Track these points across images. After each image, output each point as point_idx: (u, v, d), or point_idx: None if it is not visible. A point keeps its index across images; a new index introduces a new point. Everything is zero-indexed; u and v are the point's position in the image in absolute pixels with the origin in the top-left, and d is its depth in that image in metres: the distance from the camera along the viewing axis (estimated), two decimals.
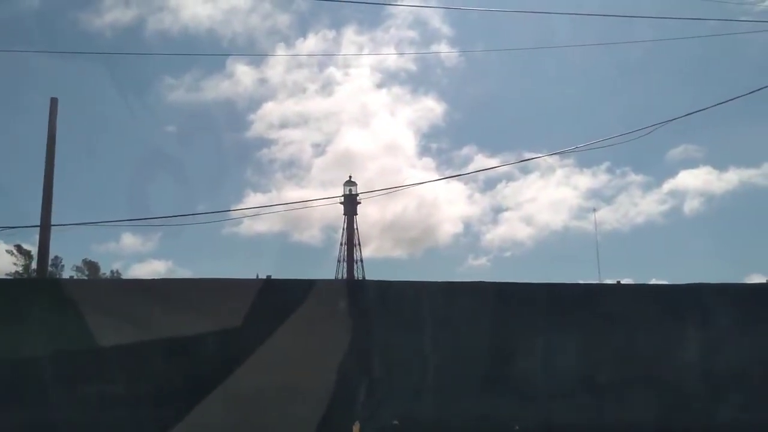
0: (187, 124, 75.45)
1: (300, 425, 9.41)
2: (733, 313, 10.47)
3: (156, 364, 9.39)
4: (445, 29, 76.81)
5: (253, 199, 68.11)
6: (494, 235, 77.93)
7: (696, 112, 15.06)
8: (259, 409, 9.32)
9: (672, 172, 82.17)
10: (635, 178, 75.30)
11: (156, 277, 22.41)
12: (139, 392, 9.26)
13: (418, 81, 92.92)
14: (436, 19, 73.69)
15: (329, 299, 9.93)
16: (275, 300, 9.71)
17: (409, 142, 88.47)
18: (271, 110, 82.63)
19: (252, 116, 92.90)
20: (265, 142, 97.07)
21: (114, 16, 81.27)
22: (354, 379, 9.68)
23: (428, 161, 76.81)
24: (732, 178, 76.17)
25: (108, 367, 9.28)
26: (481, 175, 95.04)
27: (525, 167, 76.50)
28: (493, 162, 76.80)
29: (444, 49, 75.57)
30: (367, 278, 43.33)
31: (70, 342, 9.27)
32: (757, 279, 11.90)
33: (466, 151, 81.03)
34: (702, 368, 10.25)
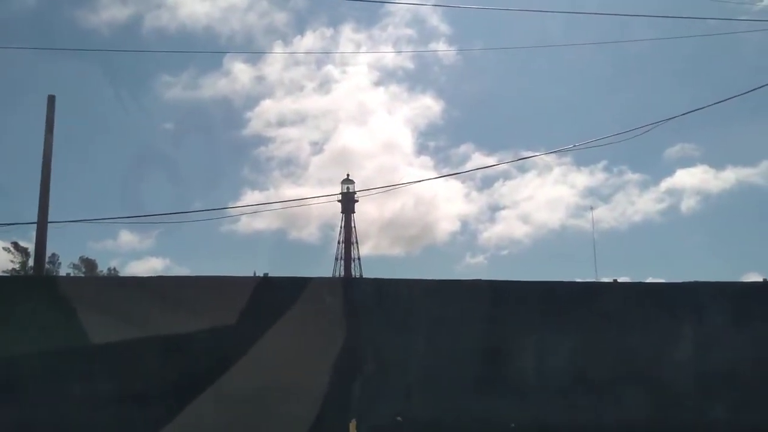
0: (185, 121, 75.57)
1: (293, 424, 9.37)
2: (729, 311, 10.45)
3: (150, 362, 9.33)
4: (443, 27, 76.98)
5: (251, 197, 68.29)
6: (491, 233, 78.18)
7: (693, 111, 15.12)
8: (252, 407, 9.29)
9: (669, 171, 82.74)
10: (632, 176, 75.57)
11: (153, 275, 22.38)
12: (132, 390, 9.21)
13: (415, 79, 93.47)
14: (434, 18, 73.86)
15: (324, 297, 9.89)
16: (270, 298, 9.68)
17: (407, 141, 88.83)
18: (268, 108, 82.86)
19: (249, 114, 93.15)
20: (262, 140, 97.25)
21: (111, 13, 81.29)
22: (348, 378, 9.65)
23: (426, 159, 76.96)
24: (729, 176, 76.45)
25: (101, 365, 9.25)
26: (479, 174, 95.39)
27: (522, 165, 76.87)
28: (490, 160, 77.15)
29: (442, 48, 75.66)
30: (364, 276, 43.42)
31: (63, 339, 9.23)
32: (753, 277, 11.89)
33: (463, 149, 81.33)
34: (698, 367, 10.22)
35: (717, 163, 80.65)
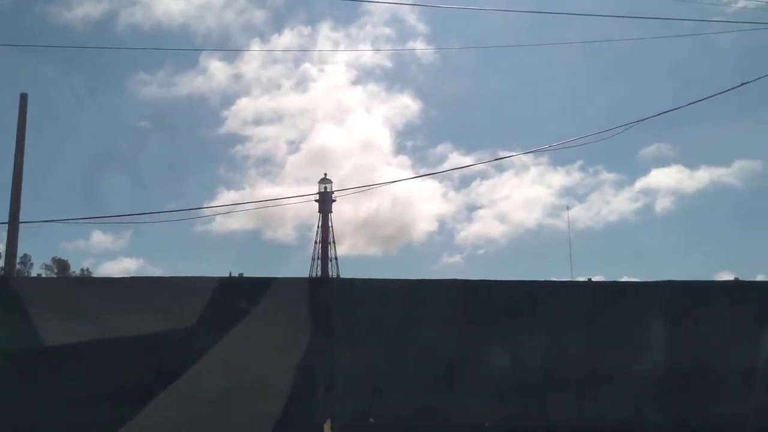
0: (160, 120, 74.82)
1: (257, 425, 9.26)
2: (699, 310, 10.48)
3: (109, 364, 9.16)
4: (421, 27, 76.91)
5: (226, 197, 67.70)
6: (469, 232, 78.34)
7: (666, 111, 15.09)
8: (214, 409, 9.16)
9: (644, 171, 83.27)
10: (608, 176, 76.05)
11: (126, 275, 22.22)
12: (91, 393, 9.04)
13: (393, 78, 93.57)
14: (412, 17, 73.77)
15: (288, 297, 9.78)
16: (232, 298, 9.57)
17: (385, 140, 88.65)
18: (245, 106, 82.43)
19: (226, 112, 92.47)
20: (238, 139, 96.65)
21: (84, 9, 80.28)
22: (314, 378, 9.55)
23: (404, 159, 76.82)
24: (703, 176, 77.09)
25: (58, 366, 9.08)
26: (456, 173, 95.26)
27: (500, 165, 77.12)
28: (468, 160, 77.17)
29: (420, 46, 75.48)
30: (341, 276, 43.31)
31: (18, 341, 9.06)
32: (726, 277, 12.08)
33: (441, 148, 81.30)
34: (667, 366, 10.21)
35: (691, 163, 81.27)
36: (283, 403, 9.31)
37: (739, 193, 67.69)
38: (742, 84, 14.07)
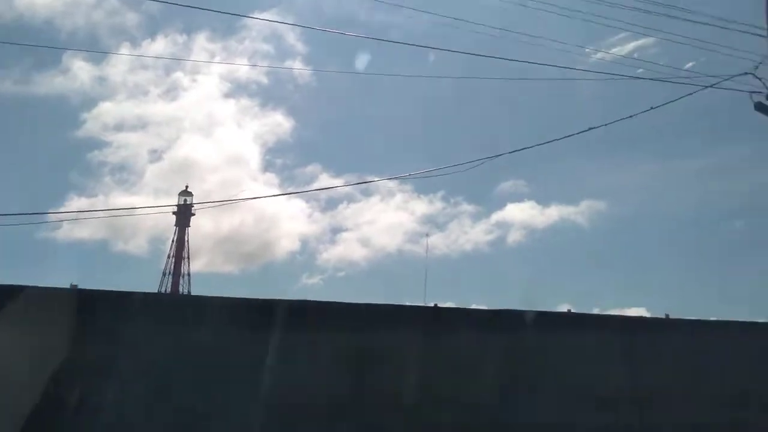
0: (11, 118, 70.65)
1: None
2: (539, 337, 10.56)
3: None
4: (300, 46, 76.57)
5: (76, 203, 64.56)
6: (331, 254, 78.70)
7: (522, 149, 15.51)
8: None
9: (500, 205, 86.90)
10: (467, 207, 78.65)
11: None
12: None
13: (268, 95, 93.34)
14: (291, 36, 73.26)
15: (44, 310, 9.00)
16: None
17: (253, 156, 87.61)
18: (107, 110, 79.09)
19: (85, 115, 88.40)
20: (96, 144, 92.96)
21: None
22: (69, 397, 8.79)
23: (271, 176, 76.18)
24: (553, 213, 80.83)
25: None
26: (323, 195, 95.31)
27: (366, 189, 77.65)
28: (336, 182, 77.30)
29: (298, 66, 74.88)
30: (191, 293, 41.88)
31: None
32: (564, 308, 12.61)
33: (310, 169, 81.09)
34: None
35: (543, 200, 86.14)
36: (19, 425, 8.48)
37: (585, 231, 71.75)
38: (589, 129, 14.82)
